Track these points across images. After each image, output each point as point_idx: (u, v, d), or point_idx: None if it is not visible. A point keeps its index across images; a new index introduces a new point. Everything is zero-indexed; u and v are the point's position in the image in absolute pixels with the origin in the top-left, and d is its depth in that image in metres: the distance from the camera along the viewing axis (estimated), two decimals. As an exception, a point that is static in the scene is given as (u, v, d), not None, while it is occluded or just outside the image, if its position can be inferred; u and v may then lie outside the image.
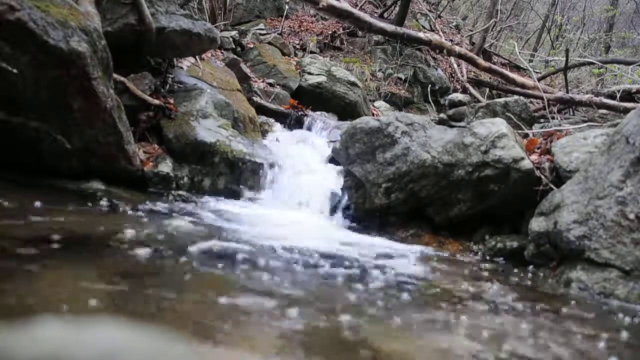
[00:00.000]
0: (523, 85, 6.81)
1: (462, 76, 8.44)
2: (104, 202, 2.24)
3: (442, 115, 3.46)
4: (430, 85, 7.98)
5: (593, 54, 12.87)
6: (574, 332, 1.51)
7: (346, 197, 3.27)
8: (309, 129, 4.79)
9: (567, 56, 6.39)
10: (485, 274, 2.31)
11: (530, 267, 2.51)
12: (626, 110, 4.42)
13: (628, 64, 7.90)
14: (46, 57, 2.11)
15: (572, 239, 2.22)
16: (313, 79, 6.00)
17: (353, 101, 6.02)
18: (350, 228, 3.09)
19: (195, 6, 5.98)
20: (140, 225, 1.93)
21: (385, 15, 9.14)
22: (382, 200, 3.05)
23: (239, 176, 3.16)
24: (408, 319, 1.39)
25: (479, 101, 6.80)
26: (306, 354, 1.04)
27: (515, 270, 2.48)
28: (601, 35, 14.35)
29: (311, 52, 7.59)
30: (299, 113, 4.99)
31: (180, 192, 2.86)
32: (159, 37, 3.26)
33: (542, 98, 5.67)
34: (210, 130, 3.19)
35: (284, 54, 6.75)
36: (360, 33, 8.59)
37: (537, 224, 2.47)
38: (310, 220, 3.10)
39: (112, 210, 2.15)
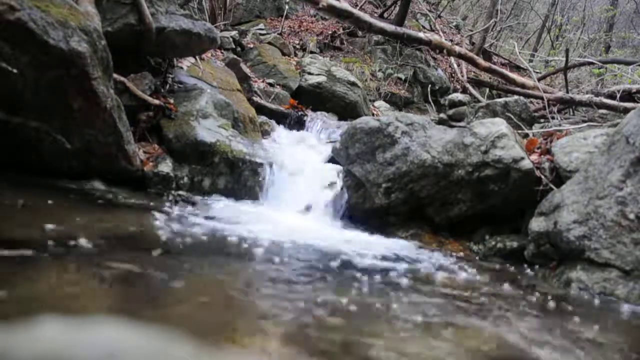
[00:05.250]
0: (523, 85, 6.80)
1: (462, 76, 8.43)
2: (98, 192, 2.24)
3: (442, 115, 3.46)
4: (430, 85, 7.98)
5: (593, 54, 12.87)
6: (573, 332, 1.51)
7: (346, 197, 3.26)
8: (309, 129, 4.79)
9: (567, 56, 6.39)
10: (485, 273, 2.31)
11: (530, 267, 2.51)
12: (626, 110, 4.42)
13: (628, 64, 7.89)
14: (46, 57, 2.11)
15: (572, 239, 2.22)
16: (313, 79, 5.99)
17: (353, 101, 6.02)
18: (350, 228, 3.09)
19: (195, 6, 5.98)
20: (139, 225, 1.94)
21: (385, 15, 9.13)
22: (382, 200, 3.05)
23: (239, 176, 3.15)
24: (400, 316, 1.39)
25: (479, 101, 6.79)
26: (307, 354, 1.04)
27: (515, 270, 2.48)
28: (601, 35, 14.35)
29: (311, 52, 7.58)
30: (299, 113, 4.98)
31: (180, 192, 2.86)
32: (159, 37, 3.25)
33: (542, 98, 5.67)
34: (210, 130, 3.18)
35: (284, 54, 6.74)
36: (360, 33, 8.58)
37: (537, 224, 2.47)
38: (310, 220, 3.09)
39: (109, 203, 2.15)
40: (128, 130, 2.66)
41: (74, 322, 0.95)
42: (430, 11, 10.69)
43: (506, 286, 2.04)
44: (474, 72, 8.84)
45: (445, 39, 7.98)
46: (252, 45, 6.48)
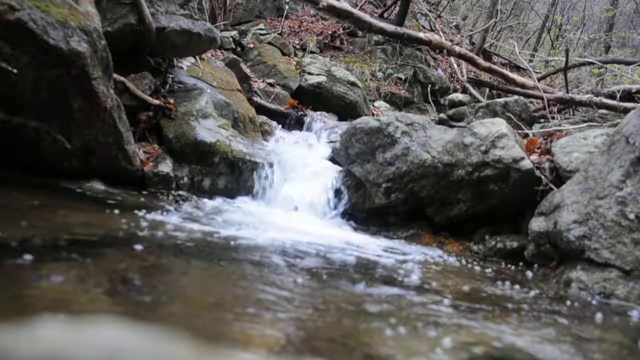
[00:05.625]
0: (523, 85, 6.80)
1: (462, 76, 8.43)
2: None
3: (442, 115, 3.46)
4: (430, 85, 7.98)
5: (593, 54, 12.87)
6: (573, 331, 1.51)
7: (346, 197, 3.26)
8: (309, 129, 4.79)
9: (567, 56, 6.39)
10: (485, 274, 2.31)
11: (530, 267, 2.51)
12: (626, 110, 4.41)
13: (628, 64, 7.89)
14: (46, 57, 2.11)
15: (572, 239, 2.22)
16: (313, 79, 5.99)
17: (353, 101, 6.02)
18: (349, 228, 3.09)
19: (195, 6, 5.98)
20: (142, 224, 1.93)
21: (385, 15, 9.13)
22: (382, 200, 3.05)
23: (239, 176, 3.15)
24: (398, 316, 1.39)
25: (479, 101, 6.79)
26: (308, 353, 1.04)
27: (515, 270, 2.48)
28: (601, 35, 14.35)
29: (311, 52, 7.58)
30: (299, 113, 4.98)
31: (180, 192, 2.86)
32: (159, 37, 3.26)
33: (542, 98, 5.67)
34: (210, 130, 3.18)
35: (284, 54, 6.74)
36: (360, 33, 8.58)
37: (537, 224, 2.47)
38: (310, 220, 3.09)
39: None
40: (128, 130, 2.66)
41: (73, 322, 0.95)
42: (430, 11, 10.69)
43: (506, 286, 2.04)
44: (474, 72, 8.84)
45: (445, 39, 7.98)
46: (252, 45, 6.49)
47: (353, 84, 6.15)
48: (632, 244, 2.06)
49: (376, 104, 7.11)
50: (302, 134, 4.58)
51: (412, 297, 1.65)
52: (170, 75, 3.59)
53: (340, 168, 3.38)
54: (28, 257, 1.28)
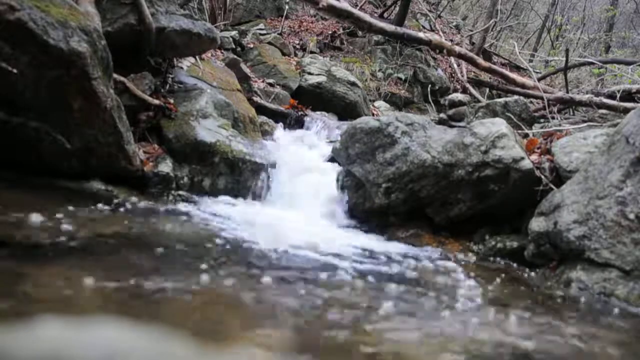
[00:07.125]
0: (523, 85, 6.81)
1: (462, 76, 8.43)
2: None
3: (442, 115, 3.46)
4: (430, 85, 7.98)
5: (593, 54, 12.87)
6: (572, 332, 1.51)
7: (346, 197, 3.26)
8: (309, 129, 4.79)
9: (567, 56, 6.39)
10: (485, 273, 2.31)
11: (530, 267, 2.51)
12: (626, 110, 4.41)
13: (628, 64, 7.89)
14: (46, 57, 2.11)
15: (572, 239, 2.22)
16: (313, 79, 6.00)
17: (353, 101, 6.02)
18: (350, 228, 3.09)
19: (195, 6, 5.98)
20: (144, 224, 1.94)
21: (385, 15, 9.13)
22: (382, 200, 3.05)
23: (239, 176, 3.16)
24: (397, 317, 1.39)
25: (479, 101, 6.79)
26: (306, 353, 1.04)
27: (515, 270, 2.48)
28: (601, 35, 14.35)
29: (311, 52, 7.59)
30: (299, 113, 4.99)
31: (180, 192, 2.86)
32: (159, 37, 3.26)
33: (542, 98, 5.67)
34: (210, 130, 3.18)
35: (284, 54, 6.74)
36: (360, 33, 8.58)
37: (537, 224, 2.47)
38: (310, 220, 3.09)
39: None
40: (128, 130, 2.66)
41: (73, 322, 0.95)
42: (430, 11, 10.69)
43: (506, 286, 2.04)
44: (474, 72, 8.84)
45: (445, 39, 7.98)
46: (252, 45, 6.49)
47: (353, 84, 6.16)
48: (632, 244, 2.06)
49: (376, 104, 7.12)
50: (302, 133, 4.58)
51: (406, 296, 1.65)
52: (170, 75, 3.59)
53: (340, 168, 3.38)
54: (27, 256, 1.28)
